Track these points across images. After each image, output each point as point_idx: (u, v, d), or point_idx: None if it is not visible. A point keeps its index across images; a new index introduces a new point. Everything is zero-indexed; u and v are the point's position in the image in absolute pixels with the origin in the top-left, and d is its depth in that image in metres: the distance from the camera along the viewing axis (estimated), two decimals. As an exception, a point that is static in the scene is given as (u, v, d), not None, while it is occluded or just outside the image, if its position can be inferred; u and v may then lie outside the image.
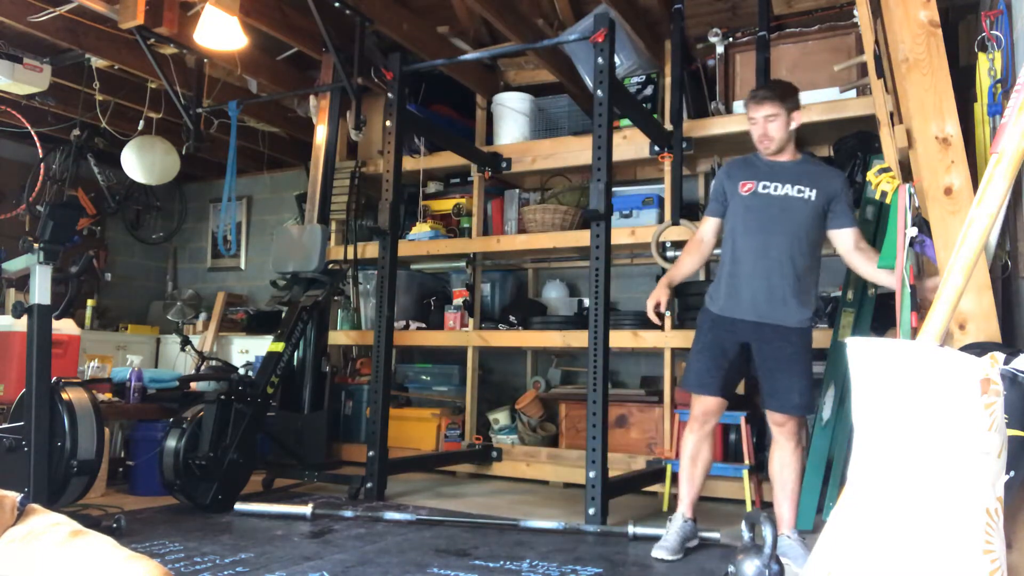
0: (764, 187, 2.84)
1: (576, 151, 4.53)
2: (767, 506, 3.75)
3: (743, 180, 2.89)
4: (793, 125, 2.82)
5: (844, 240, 2.81)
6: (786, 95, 2.82)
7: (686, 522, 2.86)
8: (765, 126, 2.82)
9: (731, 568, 2.06)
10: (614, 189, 4.19)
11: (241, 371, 4.47)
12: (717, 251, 3.05)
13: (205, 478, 3.38)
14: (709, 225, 3.02)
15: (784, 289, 2.77)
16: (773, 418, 2.79)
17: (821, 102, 3.93)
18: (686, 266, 3.08)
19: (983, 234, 1.59)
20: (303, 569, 2.49)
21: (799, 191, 2.81)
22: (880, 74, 2.35)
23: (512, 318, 4.81)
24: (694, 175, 4.77)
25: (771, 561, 2.00)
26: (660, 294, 3.02)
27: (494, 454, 4.56)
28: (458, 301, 4.95)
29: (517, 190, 5.04)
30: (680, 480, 2.94)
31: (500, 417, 4.80)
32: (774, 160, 2.89)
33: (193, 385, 4.47)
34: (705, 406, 2.86)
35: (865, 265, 2.77)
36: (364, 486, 3.78)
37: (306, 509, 3.29)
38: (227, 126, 4.89)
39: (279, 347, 3.97)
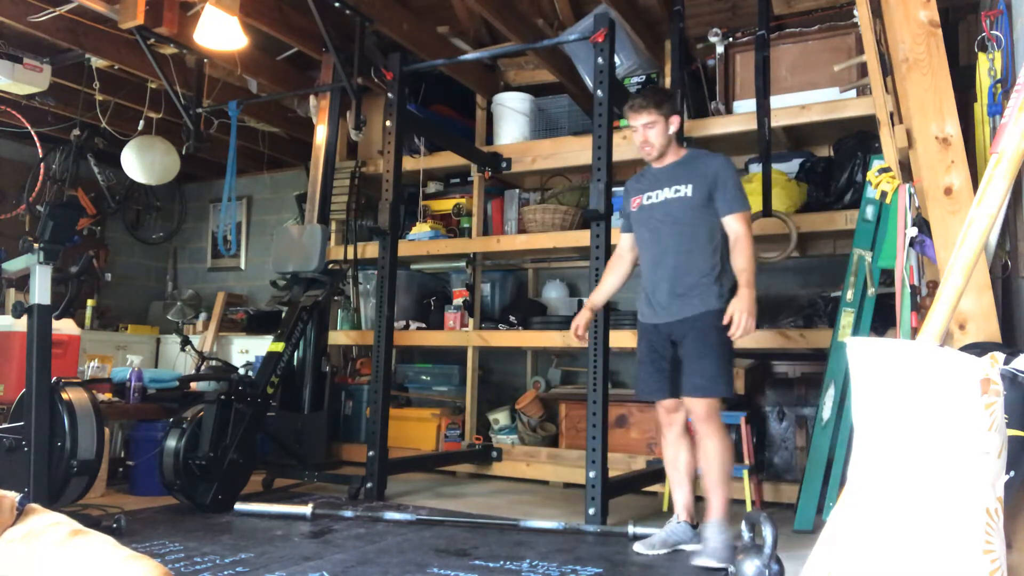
0: (648, 198, 2.95)
1: (576, 151, 4.53)
2: (767, 506, 3.76)
3: (633, 196, 3.01)
4: (672, 129, 2.89)
5: (726, 228, 2.83)
6: (662, 101, 2.88)
7: (679, 524, 2.88)
8: (645, 133, 2.89)
9: (731, 568, 2.06)
10: (614, 189, 4.19)
11: (241, 371, 4.47)
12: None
13: (205, 478, 3.38)
14: (624, 241, 3.09)
15: (685, 286, 2.83)
16: (686, 405, 2.83)
17: (821, 102, 3.93)
18: (608, 285, 3.11)
19: (983, 234, 1.59)
20: (303, 569, 2.49)
21: (676, 191, 2.87)
22: (887, 72, 2.34)
23: (512, 318, 4.81)
24: (694, 175, 4.77)
25: (771, 561, 2.00)
26: (582, 318, 3.06)
27: (494, 454, 4.56)
28: (458, 301, 4.95)
29: (517, 190, 5.04)
30: (671, 487, 2.98)
31: (500, 417, 4.80)
32: (659, 167, 2.97)
33: (193, 385, 4.47)
34: (663, 409, 2.90)
35: (733, 259, 2.81)
36: (364, 486, 3.78)
37: (306, 509, 3.29)
38: (227, 126, 4.89)
39: (279, 347, 3.97)
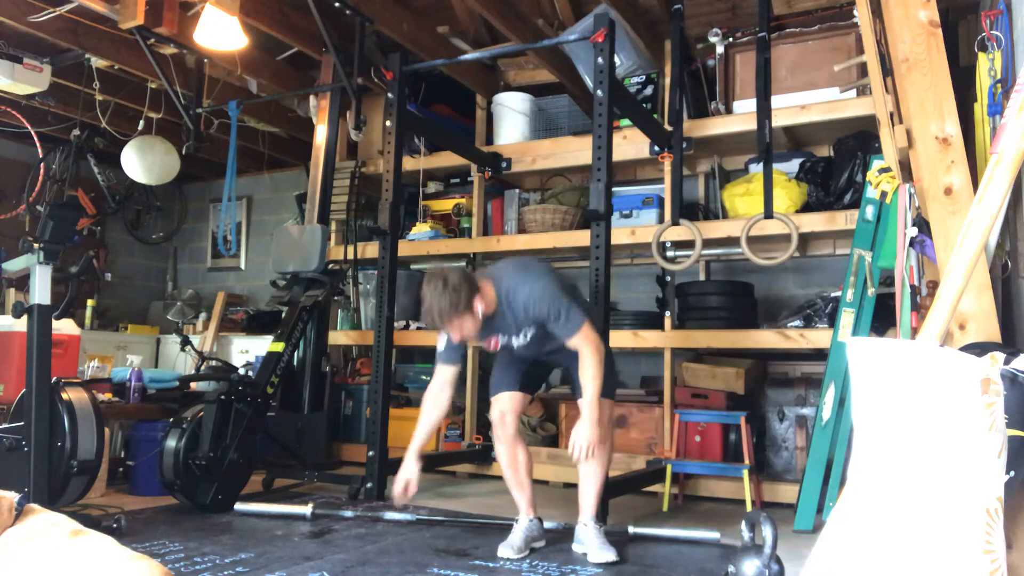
0: (504, 339, 2.83)
1: (576, 151, 4.53)
2: (767, 506, 3.76)
3: (485, 339, 2.83)
4: (480, 308, 2.62)
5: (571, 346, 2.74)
6: (457, 304, 2.57)
7: (532, 521, 2.85)
8: (454, 335, 2.71)
9: (731, 568, 2.06)
10: (614, 189, 4.19)
11: (241, 371, 4.47)
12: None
13: (205, 478, 3.38)
14: (450, 372, 2.91)
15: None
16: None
17: (821, 102, 3.93)
18: (432, 423, 2.90)
19: (983, 234, 1.59)
20: (303, 569, 2.49)
21: (524, 335, 2.79)
22: (888, 72, 2.35)
23: (512, 318, 4.80)
24: (694, 175, 4.77)
25: (771, 561, 2.00)
26: (409, 472, 2.81)
27: (494, 454, 4.54)
28: (458, 301, 4.95)
29: (517, 190, 5.04)
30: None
31: (500, 417, 4.79)
32: (488, 317, 2.73)
33: (193, 385, 4.47)
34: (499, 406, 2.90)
35: (579, 371, 2.69)
36: (364, 486, 3.78)
37: (306, 509, 3.29)
38: (227, 126, 4.89)
39: (279, 347, 3.97)
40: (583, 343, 2.67)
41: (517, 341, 2.82)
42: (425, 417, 2.90)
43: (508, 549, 2.72)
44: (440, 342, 2.91)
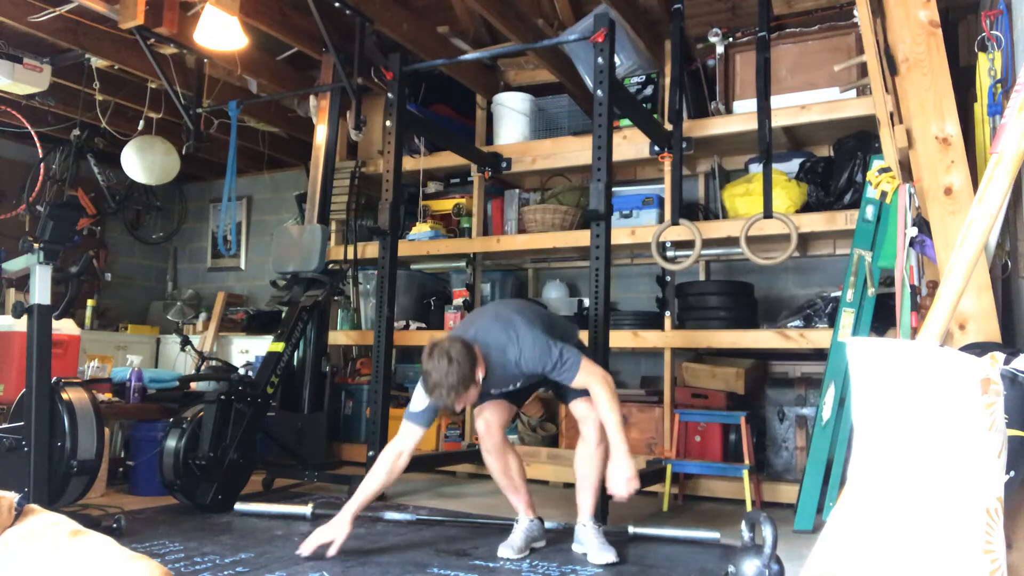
0: (497, 392, 2.84)
1: (576, 151, 4.53)
2: (767, 506, 3.76)
3: (481, 401, 2.85)
4: (480, 376, 2.57)
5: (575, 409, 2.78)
6: (465, 379, 2.51)
7: (532, 522, 2.84)
8: (466, 403, 2.63)
9: (731, 568, 2.06)
10: (614, 189, 4.19)
11: (241, 371, 4.47)
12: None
13: (205, 478, 3.38)
14: (416, 436, 2.75)
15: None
16: (576, 411, 2.78)
17: (821, 102, 3.93)
18: (379, 486, 2.73)
19: (983, 234, 1.59)
20: (303, 569, 2.49)
21: (513, 386, 2.81)
22: (893, 71, 2.34)
23: (512, 318, 4.80)
24: (694, 175, 4.77)
25: (771, 561, 2.00)
26: (338, 534, 2.63)
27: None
28: (458, 301, 4.95)
29: (517, 190, 5.04)
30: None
31: (500, 417, 4.79)
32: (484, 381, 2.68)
33: (193, 385, 4.47)
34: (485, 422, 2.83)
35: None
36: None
37: (306, 509, 3.29)
38: (227, 126, 4.89)
39: (279, 347, 3.97)
40: (589, 379, 2.62)
41: (510, 389, 2.83)
42: (375, 480, 2.70)
43: (508, 549, 2.72)
44: (417, 401, 2.73)
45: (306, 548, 2.61)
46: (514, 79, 5.02)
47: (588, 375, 2.63)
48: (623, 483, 2.52)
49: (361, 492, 2.70)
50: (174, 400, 4.08)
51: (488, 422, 2.83)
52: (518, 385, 2.82)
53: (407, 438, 2.73)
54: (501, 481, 2.89)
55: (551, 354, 2.62)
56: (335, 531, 2.63)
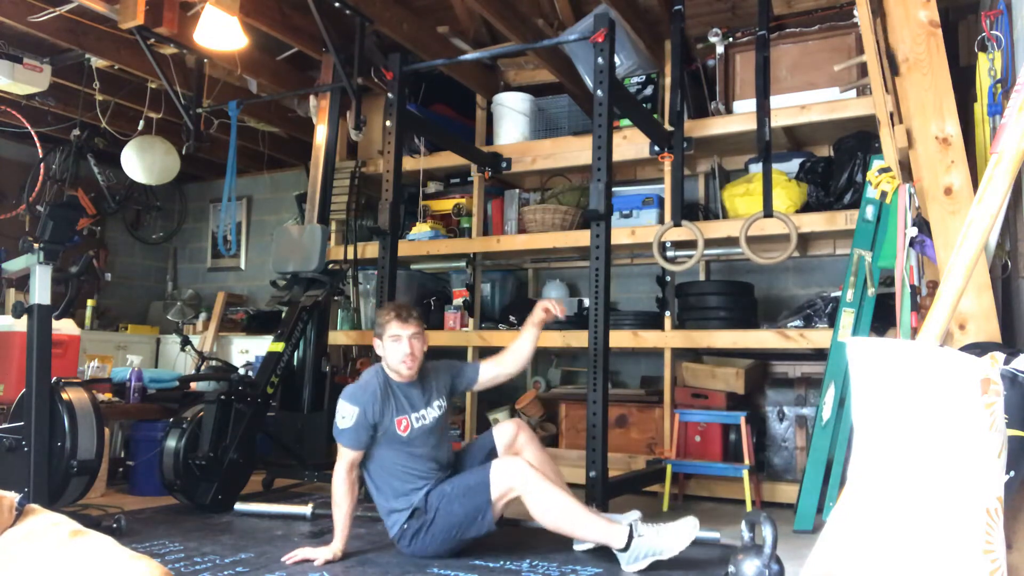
0: (417, 420, 2.77)
1: (576, 151, 4.53)
2: (767, 506, 3.76)
3: (396, 417, 2.75)
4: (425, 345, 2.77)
5: (485, 373, 3.03)
6: (422, 314, 2.80)
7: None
8: (411, 343, 2.70)
9: (731, 568, 2.06)
10: (614, 189, 4.19)
11: (241, 371, 4.47)
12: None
13: (205, 478, 3.38)
14: (357, 458, 2.81)
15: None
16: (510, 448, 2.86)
17: (821, 102, 3.93)
18: (353, 504, 2.72)
19: (983, 234, 1.59)
20: (303, 569, 2.49)
21: (438, 407, 2.84)
22: (895, 71, 2.34)
23: (512, 318, 4.80)
24: (694, 175, 4.77)
25: (771, 561, 2.00)
26: (334, 553, 2.61)
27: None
28: (458, 301, 4.95)
29: (517, 190, 5.04)
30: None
31: (500, 417, 4.80)
32: (407, 383, 2.79)
33: (193, 385, 4.47)
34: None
35: (510, 357, 3.01)
36: (364, 486, 3.77)
37: (306, 509, 3.29)
38: (227, 126, 4.89)
39: (279, 347, 3.97)
40: (493, 360, 2.99)
41: (430, 415, 2.80)
42: (346, 503, 2.69)
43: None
44: (346, 418, 2.74)
45: (290, 558, 2.59)
46: (514, 79, 5.02)
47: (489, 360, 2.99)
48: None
49: (345, 514, 2.67)
50: (174, 400, 4.09)
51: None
52: (440, 411, 2.85)
53: (348, 459, 2.79)
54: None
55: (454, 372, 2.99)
56: (334, 551, 2.62)
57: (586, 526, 2.61)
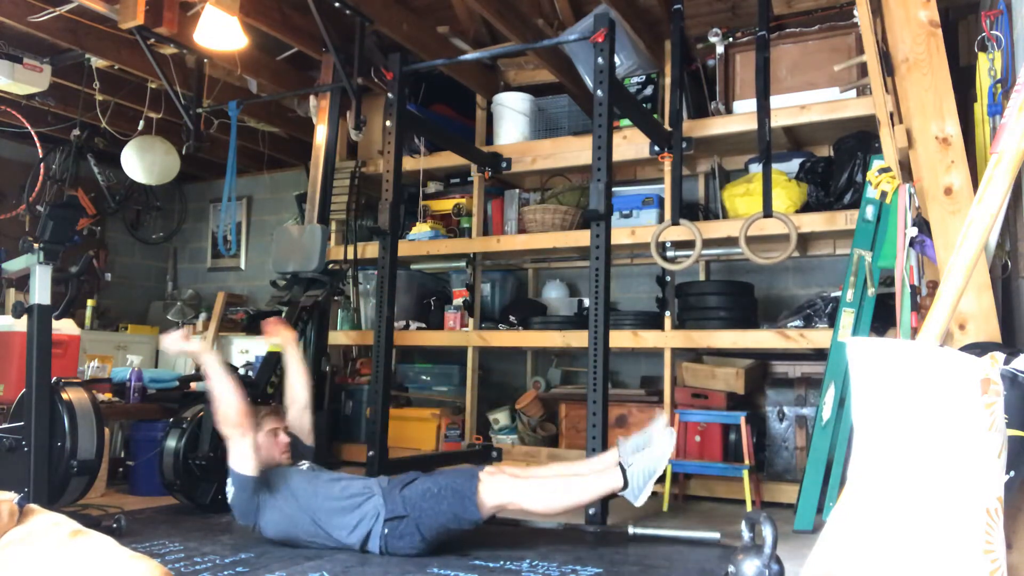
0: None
1: (576, 151, 4.53)
2: (767, 506, 3.76)
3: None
4: None
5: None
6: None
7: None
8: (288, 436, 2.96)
9: (731, 568, 2.06)
10: (614, 189, 4.19)
11: (241, 371, 4.46)
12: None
13: (205, 478, 3.38)
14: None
15: None
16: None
17: (821, 102, 3.93)
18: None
19: (983, 234, 1.59)
20: (303, 569, 2.49)
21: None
22: (890, 71, 2.35)
23: (512, 318, 4.81)
24: (694, 175, 4.77)
25: (771, 561, 2.00)
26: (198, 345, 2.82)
27: (494, 454, 4.56)
28: (458, 301, 4.95)
29: (517, 190, 5.04)
30: None
31: (500, 417, 4.80)
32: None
33: (193, 385, 4.46)
34: None
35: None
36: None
37: (306, 509, 3.29)
38: (227, 126, 4.89)
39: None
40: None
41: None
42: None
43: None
44: None
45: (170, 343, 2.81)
46: (514, 79, 5.02)
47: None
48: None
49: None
50: (174, 400, 4.08)
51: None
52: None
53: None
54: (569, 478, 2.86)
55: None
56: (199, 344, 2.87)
57: (585, 491, 2.73)
